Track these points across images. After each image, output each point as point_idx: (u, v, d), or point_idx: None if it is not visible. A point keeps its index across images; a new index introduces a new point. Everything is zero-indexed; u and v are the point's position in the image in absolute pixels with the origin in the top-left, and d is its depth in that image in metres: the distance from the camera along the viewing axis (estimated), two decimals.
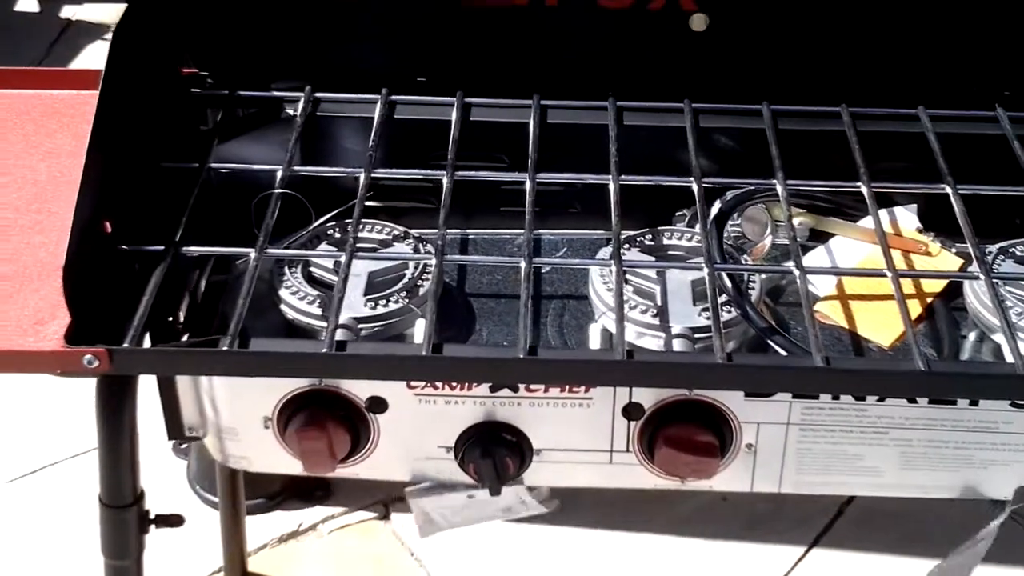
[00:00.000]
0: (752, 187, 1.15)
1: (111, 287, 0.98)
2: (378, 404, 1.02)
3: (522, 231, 1.17)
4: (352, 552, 1.78)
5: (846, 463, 1.05)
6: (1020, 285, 1.06)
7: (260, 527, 1.78)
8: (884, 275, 1.02)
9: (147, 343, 0.96)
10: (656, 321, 1.04)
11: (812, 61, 1.22)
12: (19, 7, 3.15)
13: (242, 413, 1.04)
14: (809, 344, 0.96)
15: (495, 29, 1.21)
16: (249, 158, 1.15)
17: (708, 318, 1.02)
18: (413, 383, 1.01)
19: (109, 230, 1.01)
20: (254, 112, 1.21)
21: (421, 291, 1.06)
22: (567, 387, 1.01)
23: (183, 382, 1.04)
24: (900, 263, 1.09)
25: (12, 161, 1.12)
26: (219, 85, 1.21)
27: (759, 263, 1.15)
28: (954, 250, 1.17)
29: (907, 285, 1.07)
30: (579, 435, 1.04)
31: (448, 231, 1.04)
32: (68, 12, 3.11)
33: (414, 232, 1.12)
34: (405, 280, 1.07)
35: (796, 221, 1.12)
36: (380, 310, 1.04)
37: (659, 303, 1.05)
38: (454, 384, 1.01)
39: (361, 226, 1.08)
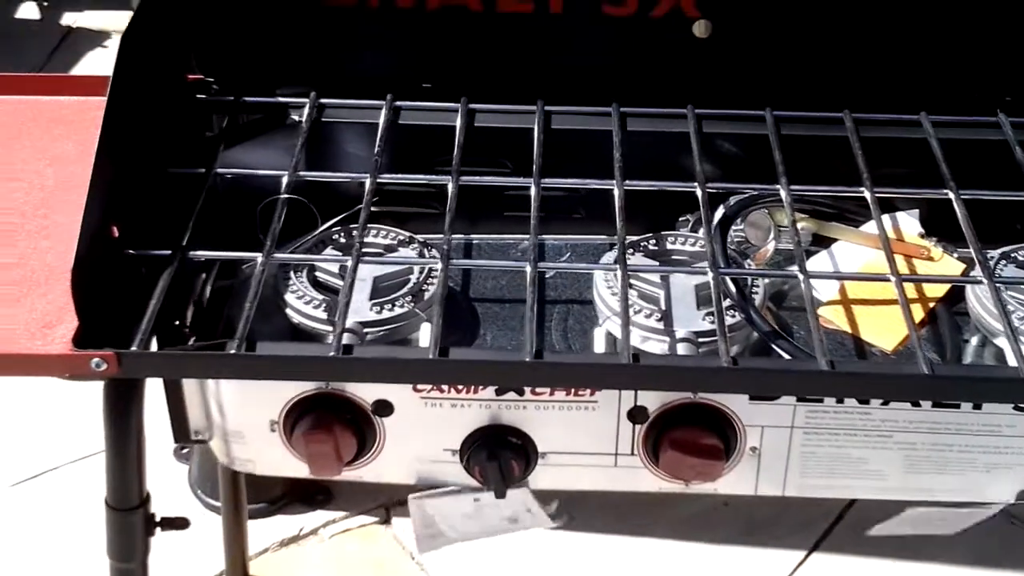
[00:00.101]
0: (755, 192, 1.16)
1: (118, 291, 0.99)
2: (384, 407, 1.03)
3: (526, 236, 1.18)
4: (353, 556, 1.78)
5: (850, 466, 1.05)
6: (1022, 289, 1.07)
7: (261, 531, 1.78)
8: (888, 279, 1.03)
9: (154, 347, 0.97)
10: (660, 325, 1.04)
11: (814, 67, 1.22)
12: (20, 14, 3.15)
13: (249, 416, 1.04)
14: (812, 348, 0.96)
15: (500, 36, 1.22)
16: (254, 164, 1.16)
17: (712, 322, 1.03)
18: (419, 386, 1.02)
19: (116, 235, 1.02)
20: (259, 118, 1.22)
21: (426, 295, 1.06)
22: (572, 390, 1.02)
23: (189, 385, 1.05)
24: (903, 268, 1.10)
25: (19, 166, 1.13)
26: (225, 91, 1.22)
27: (763, 268, 1.15)
28: (956, 255, 1.18)
29: (910, 290, 1.08)
30: (584, 438, 1.04)
31: (453, 236, 1.05)
32: (69, 19, 3.12)
33: (419, 237, 1.12)
34: (410, 285, 1.07)
35: (799, 226, 1.12)
36: (385, 314, 1.05)
37: (663, 307, 1.06)
38: (460, 387, 1.02)
39: (366, 231, 1.08)
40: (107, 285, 0.98)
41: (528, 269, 1.01)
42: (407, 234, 1.13)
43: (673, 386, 1.00)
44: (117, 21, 3.04)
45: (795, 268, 1.03)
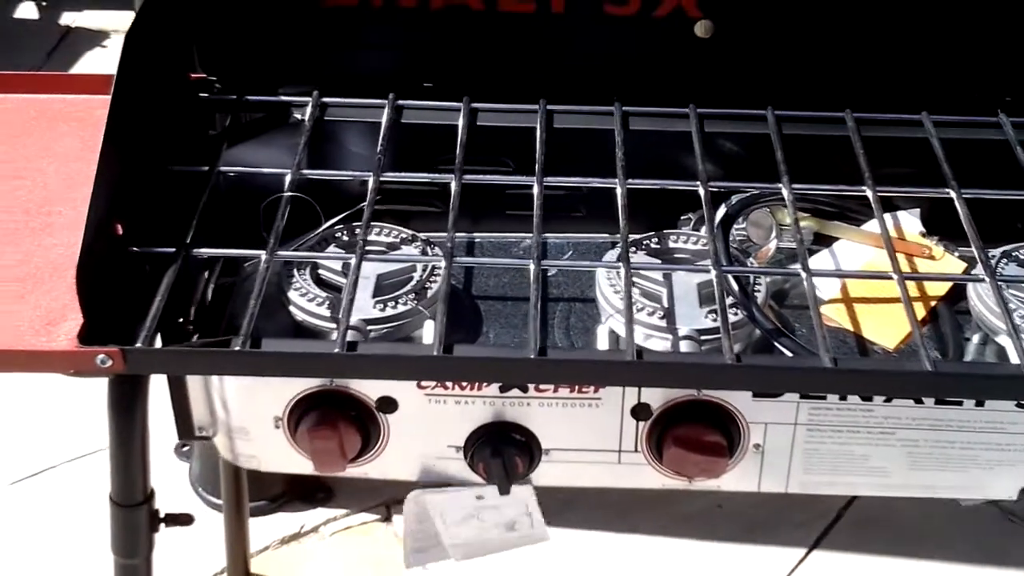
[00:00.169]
0: (757, 191, 1.16)
1: (122, 288, 0.99)
2: (388, 404, 1.03)
3: (527, 234, 1.19)
4: (354, 554, 1.79)
5: (853, 463, 1.06)
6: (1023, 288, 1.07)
7: (262, 529, 1.78)
8: (890, 277, 1.03)
9: (158, 343, 0.97)
10: (663, 323, 1.04)
11: (816, 67, 1.23)
12: (18, 14, 3.15)
13: (253, 413, 1.05)
14: (814, 346, 0.97)
15: (502, 35, 1.22)
16: (257, 162, 1.16)
17: (714, 320, 1.03)
18: (423, 383, 1.02)
19: (120, 232, 1.02)
20: (262, 117, 1.22)
21: (429, 293, 1.06)
22: (576, 387, 1.02)
23: (194, 382, 1.05)
24: (904, 267, 1.10)
25: (22, 164, 1.13)
26: (227, 90, 1.22)
27: (765, 266, 1.15)
28: (957, 254, 1.18)
29: (911, 288, 1.08)
30: (588, 435, 1.05)
31: (455, 234, 1.05)
32: (67, 19, 3.12)
33: (421, 235, 1.13)
34: (413, 282, 1.08)
35: (801, 225, 1.13)
36: (389, 312, 1.05)
37: (665, 305, 1.06)
38: (464, 384, 1.02)
39: (369, 229, 1.09)
40: (111, 282, 0.98)
41: (531, 266, 1.01)
42: (410, 232, 1.13)
43: (677, 383, 1.00)
44: (116, 21, 3.05)
45: (798, 266, 1.04)
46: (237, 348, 0.93)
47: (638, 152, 1.16)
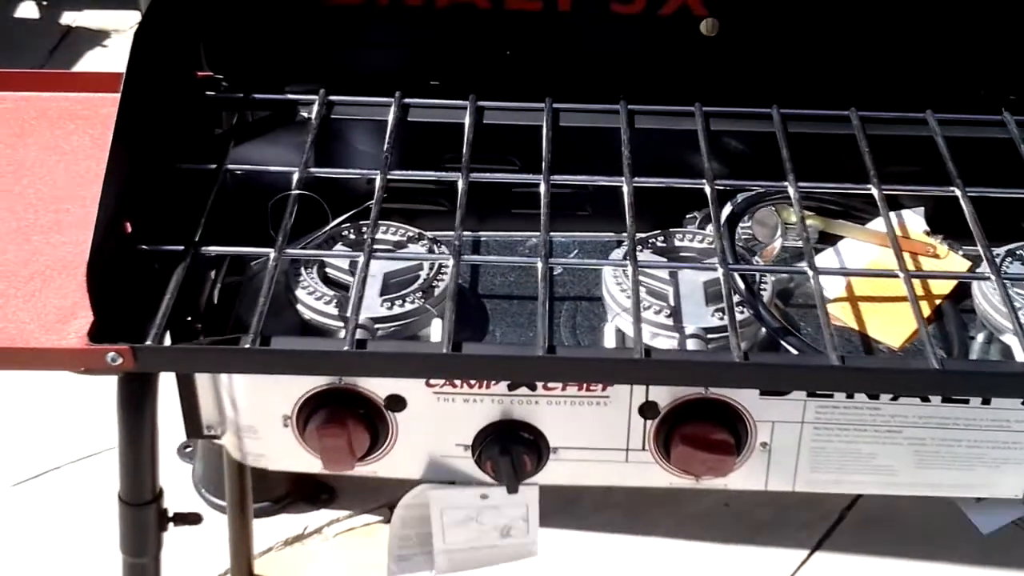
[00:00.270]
0: (763, 189, 1.16)
1: (131, 286, 0.99)
2: (397, 402, 1.03)
3: (533, 233, 1.19)
4: (357, 555, 1.79)
5: (860, 462, 1.06)
6: None
7: (266, 530, 1.78)
8: (896, 276, 1.03)
9: (167, 342, 0.97)
10: (669, 321, 1.04)
11: (821, 65, 1.23)
12: (19, 13, 3.15)
13: (261, 411, 1.05)
14: (820, 345, 0.97)
15: (508, 33, 1.22)
16: (263, 161, 1.16)
17: (721, 319, 1.03)
18: (432, 381, 1.02)
19: (129, 230, 1.02)
20: (268, 115, 1.22)
21: (436, 292, 1.06)
22: (584, 386, 1.02)
23: (202, 381, 1.05)
24: (909, 265, 1.10)
25: (30, 162, 1.13)
26: (234, 88, 1.22)
27: (770, 264, 1.16)
28: (961, 252, 1.18)
29: (917, 286, 1.08)
30: (595, 433, 1.05)
31: (462, 232, 1.05)
32: (68, 19, 3.12)
33: (428, 234, 1.13)
34: (420, 281, 1.08)
35: (806, 223, 1.13)
36: (396, 310, 1.05)
37: (672, 304, 1.06)
38: (472, 382, 1.02)
39: (376, 227, 1.09)
40: (121, 280, 0.98)
41: (539, 265, 1.01)
42: (416, 231, 1.13)
43: (687, 381, 1.00)
44: (116, 20, 3.05)
45: (804, 264, 1.04)
46: (247, 346, 0.93)
47: (644, 150, 1.16)
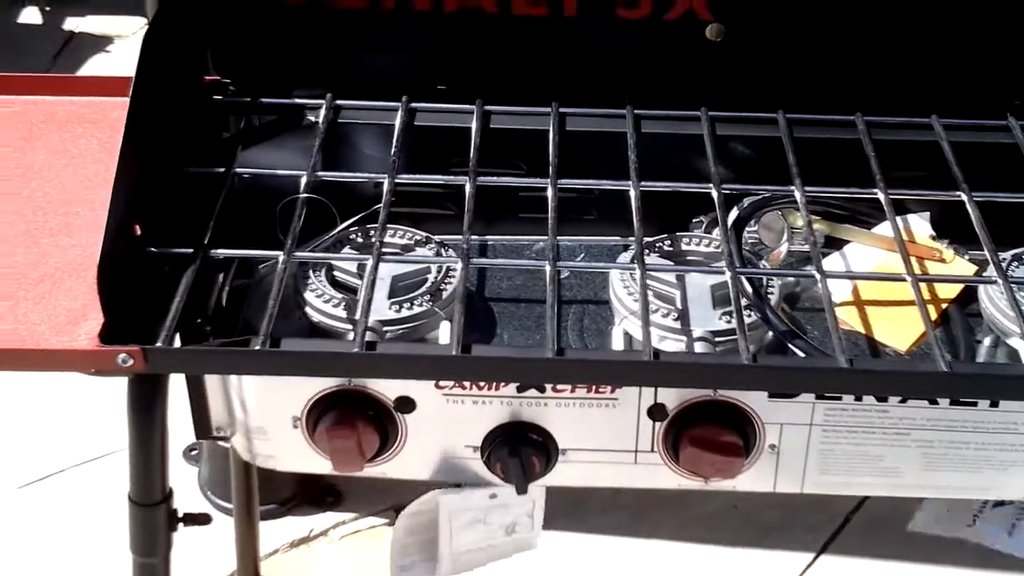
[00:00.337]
0: (769, 194, 1.17)
1: (140, 289, 0.99)
2: (406, 404, 1.03)
3: (539, 237, 1.20)
4: (363, 557, 1.79)
5: (868, 464, 1.06)
6: None
7: (272, 532, 1.78)
8: (904, 279, 1.04)
9: (177, 344, 0.97)
10: (677, 325, 1.05)
11: (826, 71, 1.23)
12: (22, 19, 3.16)
13: (271, 413, 1.05)
14: (827, 348, 0.97)
15: (515, 38, 1.23)
16: (270, 164, 1.16)
17: (728, 322, 1.04)
18: (441, 383, 1.02)
19: (139, 233, 1.02)
20: (275, 119, 1.22)
21: (444, 295, 1.07)
22: (593, 388, 1.03)
23: (212, 382, 1.05)
24: (915, 269, 1.11)
25: (38, 165, 1.13)
26: (241, 92, 1.22)
27: (778, 268, 1.16)
28: (967, 257, 1.18)
29: (923, 291, 1.09)
30: (604, 435, 1.05)
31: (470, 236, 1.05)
32: (71, 24, 3.13)
33: (435, 237, 1.13)
34: (428, 284, 1.08)
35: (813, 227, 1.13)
36: (404, 313, 1.05)
37: (679, 307, 1.06)
38: (482, 384, 1.02)
39: (385, 231, 1.09)
40: (130, 282, 0.98)
41: (547, 268, 1.02)
42: (424, 234, 1.13)
43: (696, 383, 1.00)
44: (119, 26, 3.05)
45: (812, 268, 1.04)
46: (257, 348, 0.93)
47: (649, 155, 1.16)
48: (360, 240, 1.12)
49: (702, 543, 1.82)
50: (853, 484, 1.08)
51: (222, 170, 1.12)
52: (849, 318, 1.13)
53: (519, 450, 1.03)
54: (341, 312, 1.05)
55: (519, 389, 1.03)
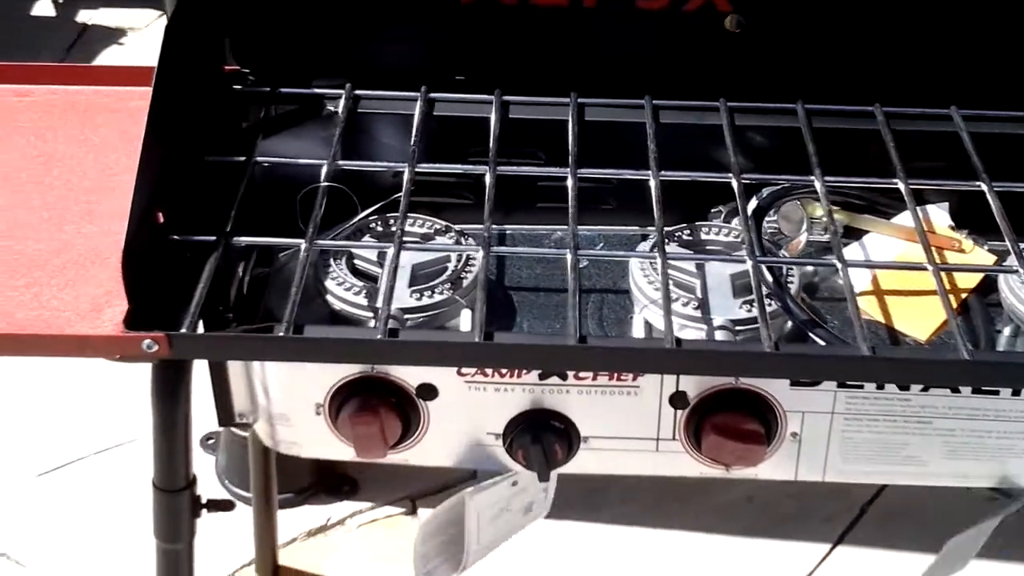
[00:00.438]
0: (788, 184, 1.17)
1: (163, 275, 1.00)
2: (428, 391, 1.04)
3: (558, 227, 1.20)
4: (380, 546, 1.79)
5: (889, 452, 1.06)
6: None
7: (289, 521, 1.79)
8: (925, 268, 1.04)
9: (200, 330, 0.97)
10: (697, 313, 1.05)
11: (845, 61, 1.23)
12: (35, 11, 3.16)
13: (294, 399, 1.05)
14: (847, 337, 0.97)
15: (533, 28, 1.23)
16: (289, 154, 1.16)
17: (749, 311, 1.04)
18: (464, 370, 1.03)
19: (161, 221, 1.03)
20: (294, 109, 1.23)
21: (464, 283, 1.07)
22: (615, 375, 1.03)
23: (235, 369, 1.06)
24: (936, 259, 1.11)
25: (60, 154, 1.14)
26: (260, 82, 1.23)
27: (798, 257, 1.16)
28: (986, 247, 1.18)
29: (943, 280, 1.09)
30: (626, 423, 1.05)
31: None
32: (84, 16, 3.13)
33: (455, 226, 1.13)
34: (448, 272, 1.08)
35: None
36: (425, 301, 1.05)
37: (699, 296, 1.07)
38: (504, 371, 1.03)
39: (405, 219, 1.09)
40: (154, 269, 0.99)
41: (569, 256, 1.02)
42: (443, 223, 1.14)
43: (719, 370, 1.00)
44: (132, 18, 3.06)
45: (833, 257, 1.04)
46: (281, 334, 0.93)
47: (668, 145, 1.16)
48: (380, 229, 1.13)
49: (718, 533, 1.82)
50: (874, 472, 1.08)
51: (243, 159, 1.12)
52: (869, 308, 1.13)
53: (541, 437, 1.03)
54: (362, 300, 1.06)
55: (541, 376, 1.03)
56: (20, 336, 0.93)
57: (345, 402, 1.03)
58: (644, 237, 1.18)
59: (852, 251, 1.18)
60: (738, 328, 1.04)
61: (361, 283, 1.07)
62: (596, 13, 1.22)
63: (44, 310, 0.95)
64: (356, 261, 1.10)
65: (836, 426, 1.05)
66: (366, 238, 1.12)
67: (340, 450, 1.06)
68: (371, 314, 1.05)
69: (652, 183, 1.11)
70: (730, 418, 1.02)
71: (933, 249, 1.10)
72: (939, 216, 1.21)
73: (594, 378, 1.03)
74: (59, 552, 1.77)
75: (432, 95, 1.21)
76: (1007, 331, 1.11)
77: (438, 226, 1.14)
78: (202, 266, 1.00)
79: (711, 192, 1.18)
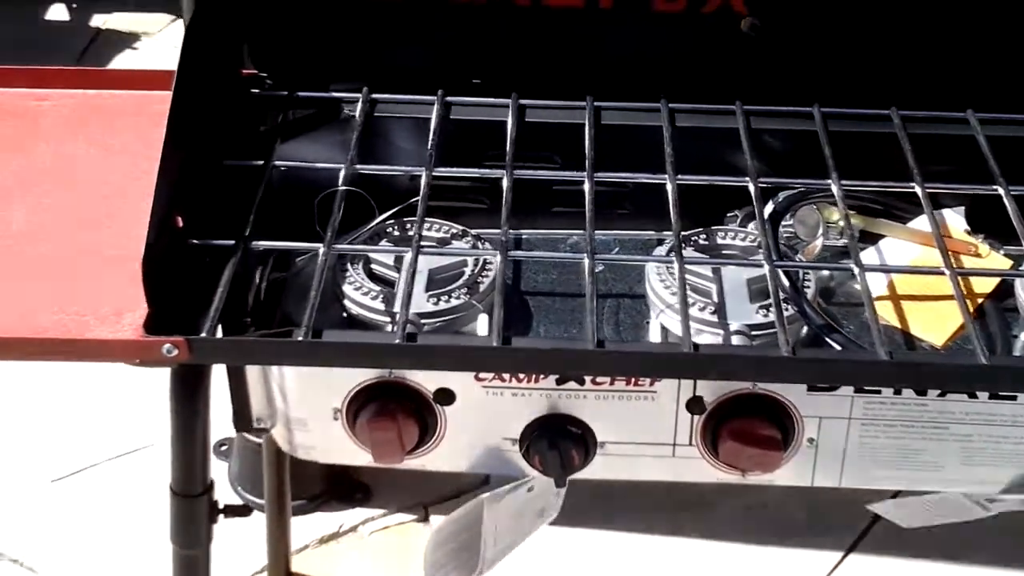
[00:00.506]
0: (804, 188, 1.17)
1: (183, 280, 1.00)
2: (446, 396, 1.04)
3: (574, 231, 1.19)
4: (392, 554, 1.79)
5: (907, 458, 1.06)
6: None
7: (301, 528, 1.79)
8: (942, 273, 1.04)
9: (219, 335, 0.98)
10: (714, 318, 1.05)
11: (861, 64, 1.23)
12: (49, 16, 3.17)
13: (312, 404, 1.05)
14: (864, 342, 0.97)
15: (550, 31, 1.23)
16: (307, 158, 1.17)
17: (765, 316, 1.04)
18: (481, 375, 1.03)
19: (180, 225, 1.03)
20: (311, 113, 1.23)
21: (481, 287, 1.07)
22: (632, 380, 1.03)
23: (252, 374, 1.06)
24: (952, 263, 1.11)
25: (79, 157, 1.14)
26: (278, 86, 1.23)
27: (814, 261, 1.16)
28: (1003, 251, 1.18)
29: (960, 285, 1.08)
30: (643, 429, 1.05)
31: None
32: (98, 21, 3.13)
33: (472, 231, 1.13)
34: (465, 277, 1.08)
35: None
36: (442, 305, 1.05)
37: (716, 301, 1.07)
38: (521, 376, 1.03)
39: (423, 223, 1.09)
40: (173, 274, 0.99)
41: (586, 261, 1.02)
42: (460, 227, 1.14)
43: (737, 375, 1.00)
44: (146, 23, 3.06)
45: (850, 261, 1.04)
46: (299, 339, 0.93)
47: (684, 148, 1.16)
48: (397, 233, 1.13)
49: (728, 541, 1.81)
50: (891, 478, 1.08)
51: (260, 163, 1.12)
52: (885, 312, 1.12)
53: (558, 443, 1.03)
54: (379, 305, 1.06)
55: (558, 382, 1.03)
56: (41, 340, 0.94)
57: (363, 407, 1.03)
58: (660, 241, 1.18)
59: (868, 256, 1.18)
60: (755, 333, 1.04)
61: (378, 288, 1.07)
62: (612, 15, 1.22)
63: (64, 314, 0.95)
64: (373, 265, 1.10)
65: (853, 432, 1.05)
66: (383, 242, 1.12)
67: (357, 455, 1.06)
68: (388, 319, 1.05)
69: (669, 187, 1.11)
70: (747, 423, 1.02)
71: (949, 253, 1.10)
72: (955, 220, 1.21)
73: (611, 383, 1.03)
74: (73, 559, 1.77)
75: (449, 99, 1.21)
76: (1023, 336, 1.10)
77: (455, 230, 1.14)
78: (221, 270, 1.00)
79: (727, 196, 1.17)
